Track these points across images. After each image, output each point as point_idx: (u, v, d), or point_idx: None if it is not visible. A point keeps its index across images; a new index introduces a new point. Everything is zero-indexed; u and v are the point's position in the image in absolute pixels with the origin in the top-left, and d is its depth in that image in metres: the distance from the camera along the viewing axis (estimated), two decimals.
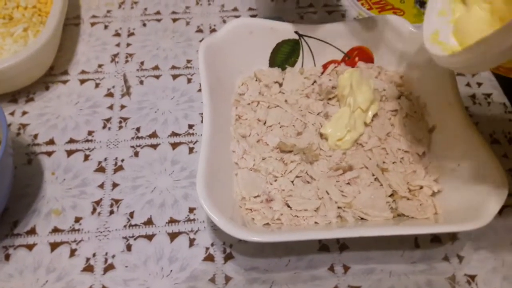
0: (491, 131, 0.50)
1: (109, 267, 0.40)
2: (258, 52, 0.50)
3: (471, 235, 0.43)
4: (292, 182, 0.43)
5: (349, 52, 0.51)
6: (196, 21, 0.61)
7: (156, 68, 0.55)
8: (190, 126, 0.50)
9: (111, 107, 0.51)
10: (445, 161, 0.43)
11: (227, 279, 0.40)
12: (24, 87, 0.51)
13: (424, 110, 0.47)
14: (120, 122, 0.50)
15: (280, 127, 0.46)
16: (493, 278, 0.41)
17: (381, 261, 0.41)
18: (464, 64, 0.31)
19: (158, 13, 0.62)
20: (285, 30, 0.49)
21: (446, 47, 0.34)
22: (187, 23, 0.61)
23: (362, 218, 0.41)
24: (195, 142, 0.49)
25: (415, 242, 0.42)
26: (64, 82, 0.54)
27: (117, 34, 0.59)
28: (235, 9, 0.63)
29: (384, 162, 0.44)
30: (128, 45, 0.58)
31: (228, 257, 0.41)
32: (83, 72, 0.55)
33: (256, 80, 0.50)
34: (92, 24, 0.60)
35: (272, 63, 0.51)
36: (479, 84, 0.55)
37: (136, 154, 0.48)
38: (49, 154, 0.47)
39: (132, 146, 0.48)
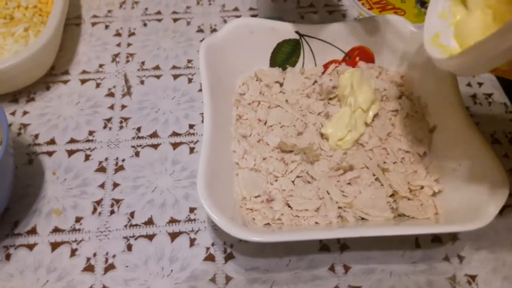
0: (492, 131, 0.50)
1: (109, 267, 0.40)
2: (259, 52, 0.50)
3: (471, 235, 0.43)
4: (293, 182, 0.43)
5: (350, 52, 0.51)
6: (197, 21, 0.61)
7: (157, 68, 0.55)
8: (191, 126, 0.50)
9: (112, 107, 0.51)
10: (446, 161, 0.43)
11: (228, 279, 0.40)
12: (25, 87, 0.52)
13: (425, 110, 0.47)
14: (121, 122, 0.50)
15: (281, 127, 0.46)
16: (494, 278, 0.41)
17: (381, 261, 0.41)
18: (462, 67, 0.31)
19: (159, 13, 0.62)
20: (286, 30, 0.49)
21: (447, 49, 0.34)
22: (188, 23, 0.61)
23: (362, 218, 0.41)
24: (196, 142, 0.49)
25: (415, 242, 0.42)
26: (65, 82, 0.54)
27: (118, 34, 0.59)
28: (236, 9, 0.63)
29: (384, 162, 0.44)
30: (129, 45, 0.58)
31: (228, 257, 0.41)
32: (84, 72, 0.55)
33: (256, 80, 0.50)
34: (93, 24, 0.60)
35: (273, 63, 0.51)
36: (480, 84, 0.55)
37: (137, 154, 0.48)
38: (50, 154, 0.47)
39: (133, 146, 0.48)
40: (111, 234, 0.42)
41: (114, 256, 0.41)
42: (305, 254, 0.41)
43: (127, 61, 0.56)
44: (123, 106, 0.52)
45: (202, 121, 0.47)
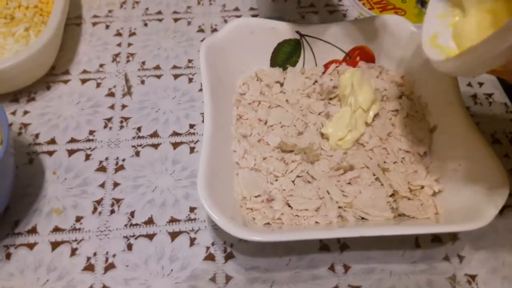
0: (492, 131, 0.50)
1: (109, 266, 0.40)
2: (259, 52, 0.50)
3: (471, 235, 0.43)
4: (293, 181, 0.43)
5: (350, 52, 0.51)
6: (198, 21, 0.61)
7: (157, 67, 0.56)
8: (191, 126, 0.50)
9: (112, 107, 0.52)
10: (446, 161, 0.43)
11: (228, 278, 0.40)
12: (25, 86, 0.52)
13: (425, 110, 0.47)
14: (121, 121, 0.50)
15: (281, 127, 0.47)
16: (494, 278, 0.41)
17: (381, 260, 0.41)
18: (460, 69, 0.31)
19: (159, 13, 0.62)
20: (286, 30, 0.49)
21: (444, 50, 0.34)
22: (189, 23, 0.61)
23: (362, 218, 0.41)
24: (196, 142, 0.49)
25: (415, 242, 0.42)
26: (66, 81, 0.54)
27: (119, 34, 0.59)
28: (236, 9, 0.63)
29: (385, 162, 0.44)
30: (130, 45, 0.58)
31: (228, 257, 0.41)
32: (84, 71, 0.55)
33: (257, 80, 0.50)
34: (94, 24, 0.60)
35: (273, 63, 0.51)
36: (481, 84, 0.55)
37: (137, 153, 0.48)
38: (50, 153, 0.47)
39: (133, 146, 0.48)
40: (111, 233, 0.42)
41: (114, 255, 0.41)
42: (305, 253, 0.41)
43: (128, 61, 0.56)
44: (124, 106, 0.52)
45: (203, 121, 0.47)
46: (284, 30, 0.49)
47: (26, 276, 0.40)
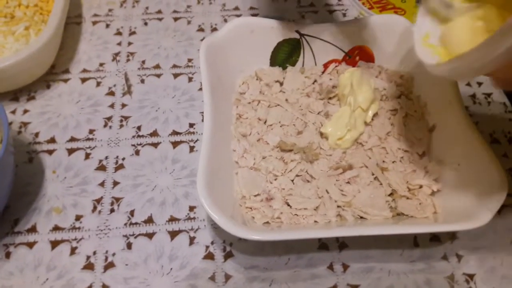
0: (491, 130, 0.50)
1: (109, 265, 0.41)
2: (259, 51, 0.50)
3: (470, 234, 0.43)
4: (292, 181, 0.43)
5: (350, 51, 0.51)
6: (197, 20, 0.61)
7: (157, 67, 0.56)
8: (191, 125, 0.50)
9: (112, 106, 0.52)
10: (445, 161, 0.43)
11: (227, 277, 0.40)
12: (25, 85, 0.52)
13: (424, 110, 0.47)
14: (121, 120, 0.50)
15: (281, 126, 0.47)
16: (492, 277, 0.41)
17: (380, 259, 0.41)
18: (451, 73, 0.31)
19: (159, 12, 0.62)
20: (286, 29, 0.49)
21: (437, 50, 0.34)
22: (188, 22, 0.61)
23: (361, 217, 0.41)
24: (196, 141, 0.49)
25: (414, 241, 0.42)
26: (66, 80, 0.54)
27: (119, 33, 0.59)
28: (236, 8, 0.63)
29: (384, 161, 0.44)
30: (130, 44, 0.58)
31: (228, 256, 0.41)
32: (84, 70, 0.55)
33: (257, 79, 0.50)
34: (94, 23, 0.60)
35: (273, 62, 0.51)
36: (479, 84, 0.55)
37: (137, 152, 0.48)
38: (50, 152, 0.48)
39: (133, 145, 0.48)
40: (111, 232, 0.42)
41: (114, 254, 0.41)
42: (304, 252, 0.42)
43: (128, 60, 0.56)
44: (124, 105, 0.52)
45: (202, 120, 0.47)
46: (283, 30, 0.49)
47: (25, 275, 0.40)
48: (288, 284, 0.40)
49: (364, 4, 0.63)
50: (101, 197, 0.45)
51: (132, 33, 0.59)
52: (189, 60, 0.56)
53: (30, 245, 0.41)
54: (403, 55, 0.50)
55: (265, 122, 0.47)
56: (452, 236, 0.43)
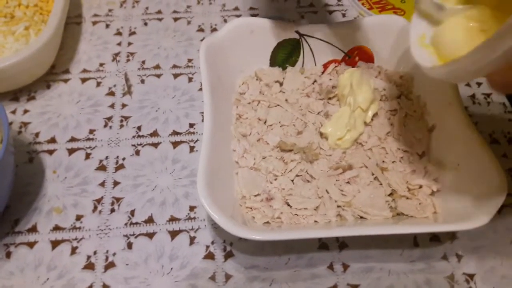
0: (490, 130, 0.51)
1: (109, 265, 0.41)
2: (259, 51, 0.50)
3: (470, 234, 0.43)
4: (292, 181, 0.43)
5: (350, 51, 0.51)
6: (197, 20, 0.61)
7: (157, 67, 0.56)
8: (191, 125, 0.50)
9: (112, 106, 0.52)
10: (444, 161, 0.43)
11: (227, 277, 0.40)
12: (25, 85, 0.52)
13: (424, 110, 0.47)
14: (121, 120, 0.50)
15: (281, 126, 0.47)
16: (492, 277, 0.41)
17: (380, 259, 0.41)
18: (448, 76, 0.31)
19: (159, 12, 0.62)
20: (286, 30, 0.49)
21: (432, 50, 0.34)
22: (188, 23, 0.61)
23: (361, 217, 0.41)
24: (196, 141, 0.49)
25: (414, 241, 0.43)
26: (66, 80, 0.54)
27: (119, 33, 0.59)
28: (236, 9, 0.63)
29: (383, 162, 0.44)
30: (130, 44, 0.58)
31: (228, 255, 0.41)
32: (84, 70, 0.55)
33: (256, 79, 0.50)
34: (94, 23, 0.60)
35: (273, 62, 0.51)
36: (479, 84, 0.55)
37: (137, 152, 0.48)
38: (50, 152, 0.48)
39: (133, 145, 0.48)
40: (111, 232, 0.43)
41: (114, 254, 0.41)
42: (304, 252, 0.42)
43: (128, 60, 0.56)
44: (124, 105, 0.52)
45: (202, 120, 0.47)
46: (283, 30, 0.49)
47: (26, 274, 0.40)
48: (288, 284, 0.40)
49: (363, 5, 0.63)
50: (102, 197, 0.45)
51: (132, 33, 0.59)
52: (189, 60, 0.56)
53: (31, 245, 0.42)
54: (403, 55, 0.50)
55: (265, 122, 0.47)
56: (452, 236, 0.43)
